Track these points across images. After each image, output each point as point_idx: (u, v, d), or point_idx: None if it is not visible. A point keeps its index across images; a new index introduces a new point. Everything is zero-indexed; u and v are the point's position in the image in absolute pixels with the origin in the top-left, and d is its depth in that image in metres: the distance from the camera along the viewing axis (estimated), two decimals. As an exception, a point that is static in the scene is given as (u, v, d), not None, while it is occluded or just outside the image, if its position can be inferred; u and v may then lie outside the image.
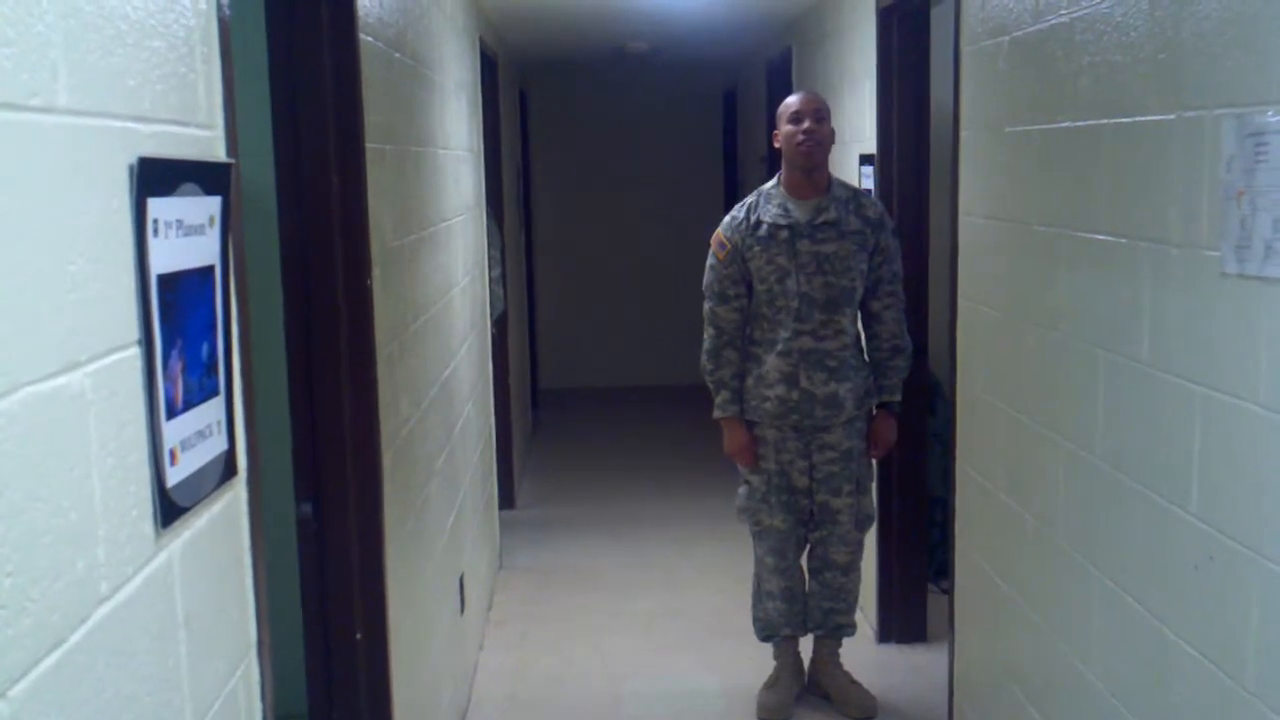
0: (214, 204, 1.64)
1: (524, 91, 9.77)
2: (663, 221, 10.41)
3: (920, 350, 4.67)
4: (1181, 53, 2.29)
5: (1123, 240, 2.56)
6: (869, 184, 5.01)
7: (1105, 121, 2.64)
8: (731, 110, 10.51)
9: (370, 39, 3.05)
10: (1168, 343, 2.36)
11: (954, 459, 3.83)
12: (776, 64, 7.62)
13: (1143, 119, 2.46)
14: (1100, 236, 2.67)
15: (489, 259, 6.52)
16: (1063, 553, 2.90)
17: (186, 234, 1.54)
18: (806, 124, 4.13)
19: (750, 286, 4.22)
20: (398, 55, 3.48)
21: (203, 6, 1.68)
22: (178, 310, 1.50)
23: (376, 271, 2.97)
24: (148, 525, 1.43)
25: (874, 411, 4.35)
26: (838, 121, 4.27)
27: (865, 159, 5.15)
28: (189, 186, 1.55)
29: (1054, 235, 2.94)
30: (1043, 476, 3.03)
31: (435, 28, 4.35)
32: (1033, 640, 3.13)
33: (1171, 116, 2.33)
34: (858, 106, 5.30)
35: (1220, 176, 2.13)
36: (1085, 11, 2.73)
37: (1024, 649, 3.21)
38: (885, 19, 4.87)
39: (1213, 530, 2.16)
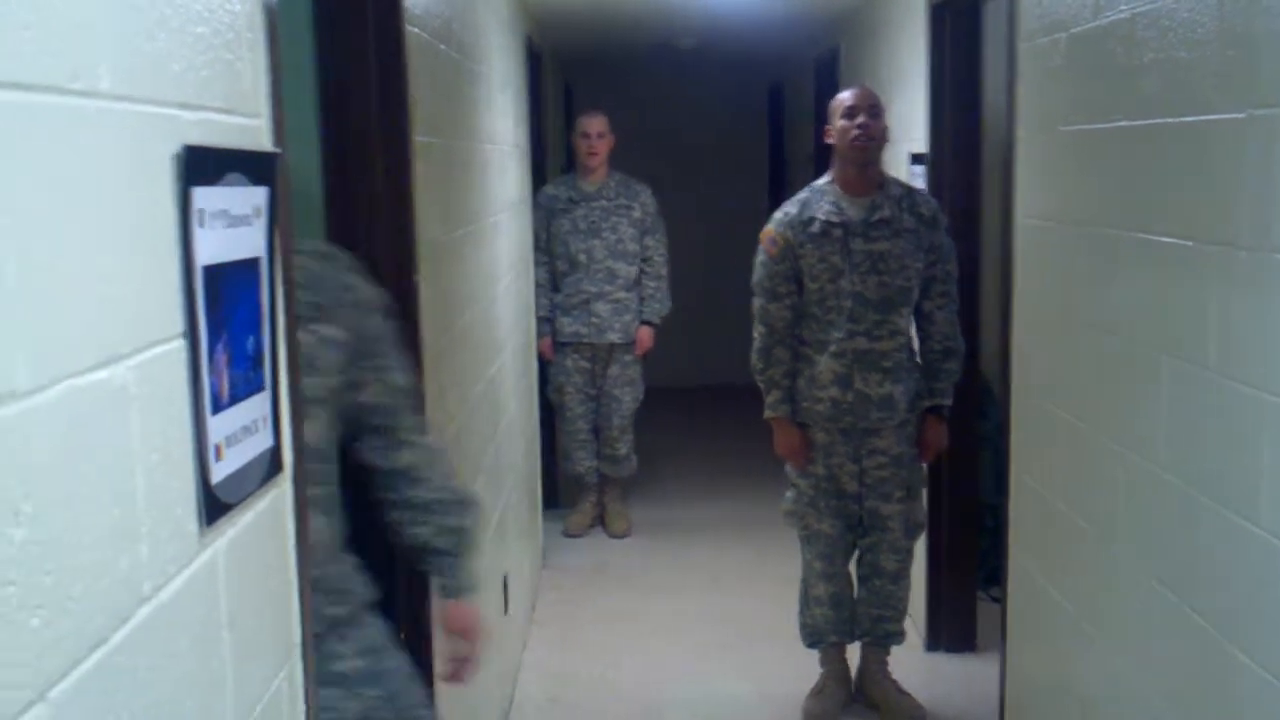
0: (260, 194, 1.60)
1: (569, 87, 9.74)
2: (707, 219, 10.36)
3: (972, 353, 4.60)
4: (1254, 49, 2.22)
5: (1188, 243, 2.49)
6: (920, 184, 4.94)
7: (1170, 120, 2.57)
8: (778, 107, 10.45)
9: (416, 30, 3.02)
10: (1236, 349, 2.29)
11: (1009, 465, 3.77)
12: (825, 60, 7.56)
13: (1211, 118, 2.39)
14: (1164, 239, 2.60)
15: (659, 254, 6.46)
16: (1122, 564, 2.83)
17: (232, 225, 1.50)
18: (860, 119, 4.06)
19: (801, 284, 4.16)
20: (444, 47, 3.44)
21: (251, -7, 1.64)
22: (223, 303, 1.46)
23: (423, 266, 2.94)
24: (192, 523, 1.39)
25: (924, 415, 4.27)
26: (888, 120, 4.20)
27: (916, 158, 5.09)
28: (235, 176, 1.51)
29: (1115, 237, 2.87)
30: (1102, 485, 2.96)
31: (481, 21, 4.32)
32: (1089, 654, 3.06)
33: (1242, 115, 2.26)
34: (909, 105, 5.23)
35: (1295, 176, 2.06)
36: (1148, 7, 2.66)
37: (1080, 662, 3.14)
38: (937, 15, 4.80)
39: (1284, 543, 2.09)
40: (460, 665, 2.61)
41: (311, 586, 2.29)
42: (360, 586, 2.43)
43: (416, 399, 2.47)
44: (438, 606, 2.56)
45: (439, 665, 2.63)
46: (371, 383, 2.37)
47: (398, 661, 2.48)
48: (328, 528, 2.34)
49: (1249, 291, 2.22)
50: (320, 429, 2.28)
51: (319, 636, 2.32)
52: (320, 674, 2.33)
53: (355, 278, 2.37)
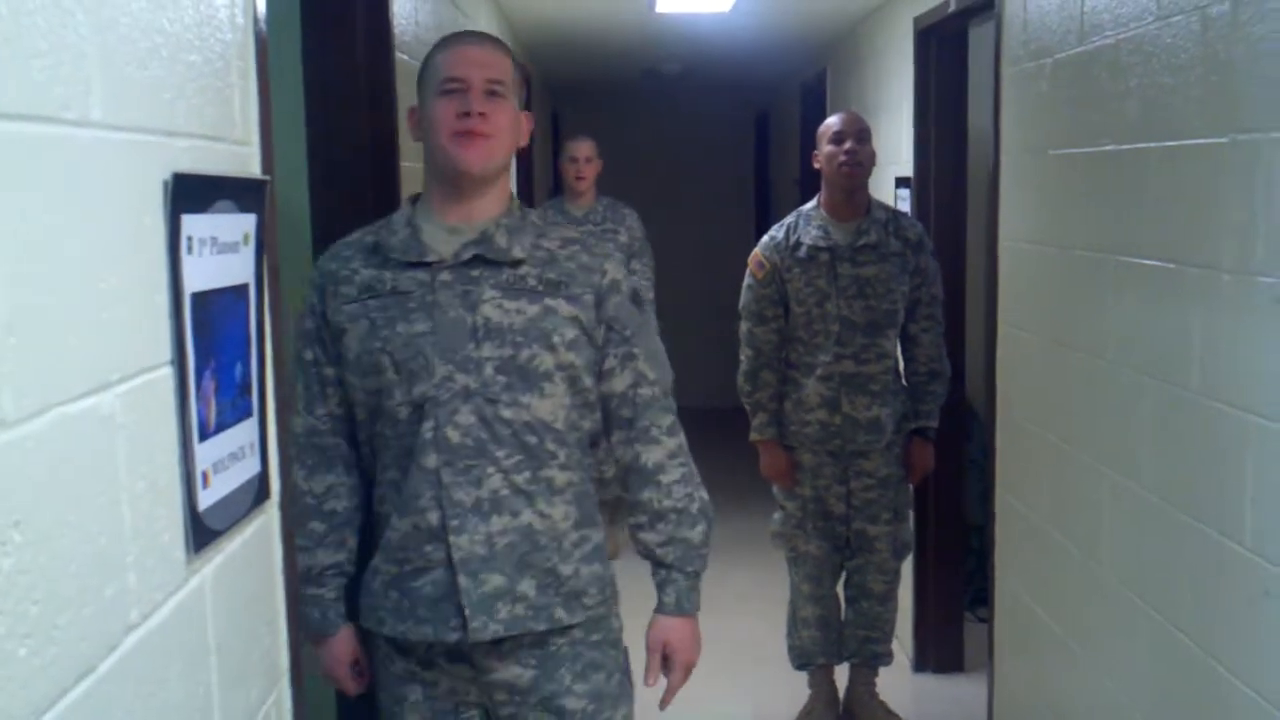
0: (249, 221, 1.61)
1: (557, 112, 9.77)
2: (694, 244, 10.38)
3: (957, 375, 4.61)
4: (1234, 74, 2.24)
5: (1171, 265, 2.51)
6: (905, 207, 4.96)
7: (1153, 145, 2.59)
8: (764, 133, 10.49)
9: (405, 57, 3.03)
10: (1219, 371, 2.30)
11: (994, 486, 3.78)
12: (811, 86, 7.59)
13: (1193, 142, 2.41)
14: (1148, 262, 2.62)
15: (645, 279, 6.41)
16: (1108, 584, 2.83)
17: (220, 252, 1.50)
18: (848, 144, 4.08)
19: (788, 308, 4.17)
20: (433, 74, 3.45)
21: (240, 21, 1.65)
22: (211, 330, 1.47)
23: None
24: (179, 550, 1.39)
25: (910, 437, 4.28)
26: (874, 144, 4.23)
27: (901, 182, 5.11)
28: (224, 203, 1.52)
29: (1099, 260, 2.89)
30: (1087, 506, 2.97)
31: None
32: (1076, 673, 3.07)
33: (1224, 139, 2.28)
34: (894, 129, 5.26)
35: (1276, 201, 2.07)
36: (1132, 33, 2.68)
37: (1066, 682, 3.14)
38: (923, 41, 4.83)
39: (1268, 564, 2.10)
40: (666, 689, 2.49)
41: (550, 584, 2.24)
42: (596, 598, 2.34)
43: (669, 396, 2.39)
44: (653, 620, 2.44)
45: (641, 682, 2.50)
46: (619, 372, 2.31)
47: (623, 713, 2.43)
48: (565, 519, 2.27)
49: (1231, 314, 2.24)
50: (555, 407, 2.23)
51: (552, 655, 2.29)
52: (542, 701, 2.28)
53: (609, 263, 2.31)
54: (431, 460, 2.18)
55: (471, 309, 2.19)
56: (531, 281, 2.22)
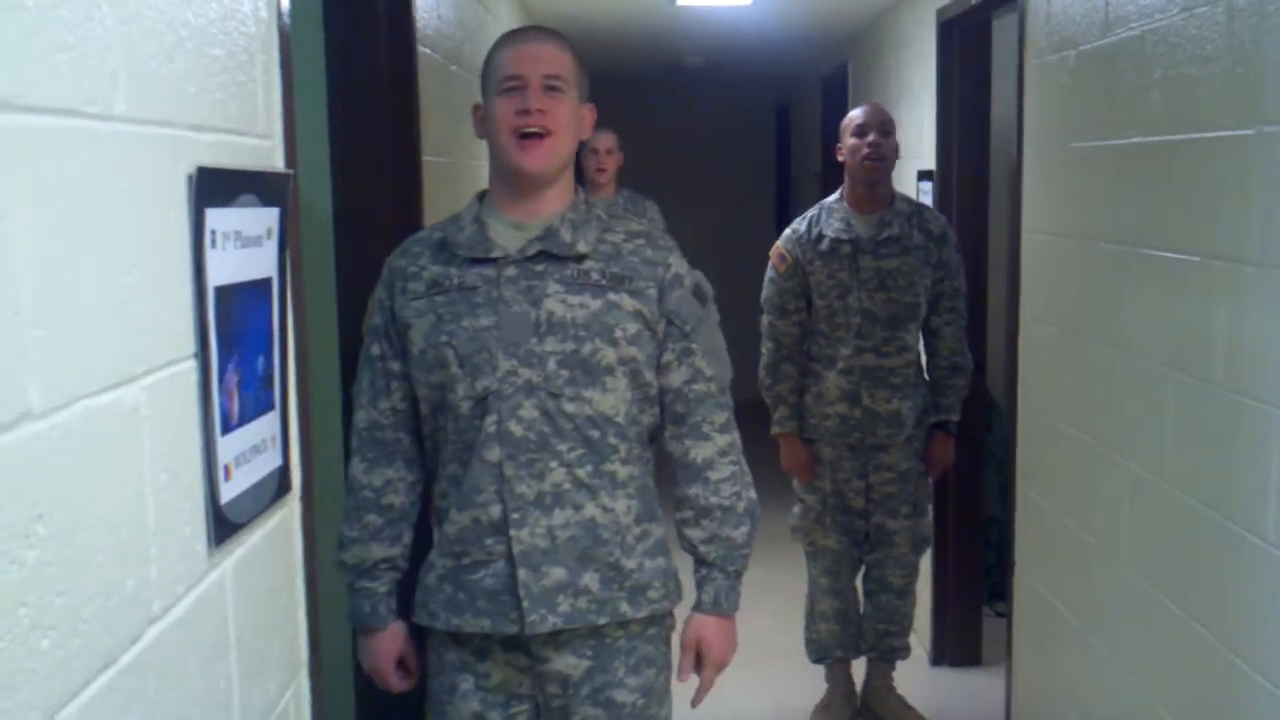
0: (272, 215, 1.61)
1: (577, 105, 9.75)
2: (714, 237, 10.34)
3: (978, 368, 4.59)
4: (1262, 66, 2.22)
5: (1195, 258, 2.49)
6: (927, 200, 4.94)
7: (1178, 137, 2.58)
8: (785, 126, 10.46)
9: (428, 51, 3.03)
10: (1243, 364, 2.29)
11: (1013, 480, 3.76)
12: (832, 78, 7.57)
13: (1218, 134, 2.39)
14: (1172, 254, 2.60)
15: None
16: (1128, 578, 2.82)
17: (244, 245, 1.51)
18: (871, 137, 4.06)
19: (810, 301, 4.16)
20: (454, 68, 3.46)
21: (263, 15, 1.66)
22: (234, 323, 1.47)
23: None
24: (200, 543, 1.40)
25: (931, 431, 4.27)
26: (896, 137, 4.21)
27: (924, 175, 5.09)
28: (247, 197, 1.52)
29: (1123, 253, 2.88)
30: (1107, 500, 2.96)
31: (492, 41, 4.33)
32: (1094, 667, 3.06)
33: (1250, 131, 2.26)
34: (916, 121, 5.23)
35: (1303, 194, 2.06)
36: (1157, 25, 2.66)
37: (1085, 676, 3.13)
38: (946, 32, 4.81)
39: (1292, 560, 2.09)
40: (698, 687, 2.47)
41: (614, 578, 2.24)
42: (660, 591, 2.34)
43: (725, 394, 2.39)
44: (690, 617, 2.43)
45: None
46: (676, 366, 2.32)
47: (667, 711, 2.43)
48: (627, 513, 2.27)
49: (1256, 306, 2.23)
50: (616, 401, 2.23)
51: (607, 647, 2.29)
52: (594, 693, 2.27)
53: (673, 257, 2.34)
54: (494, 454, 2.18)
55: (535, 304, 2.20)
56: (595, 276, 2.23)
